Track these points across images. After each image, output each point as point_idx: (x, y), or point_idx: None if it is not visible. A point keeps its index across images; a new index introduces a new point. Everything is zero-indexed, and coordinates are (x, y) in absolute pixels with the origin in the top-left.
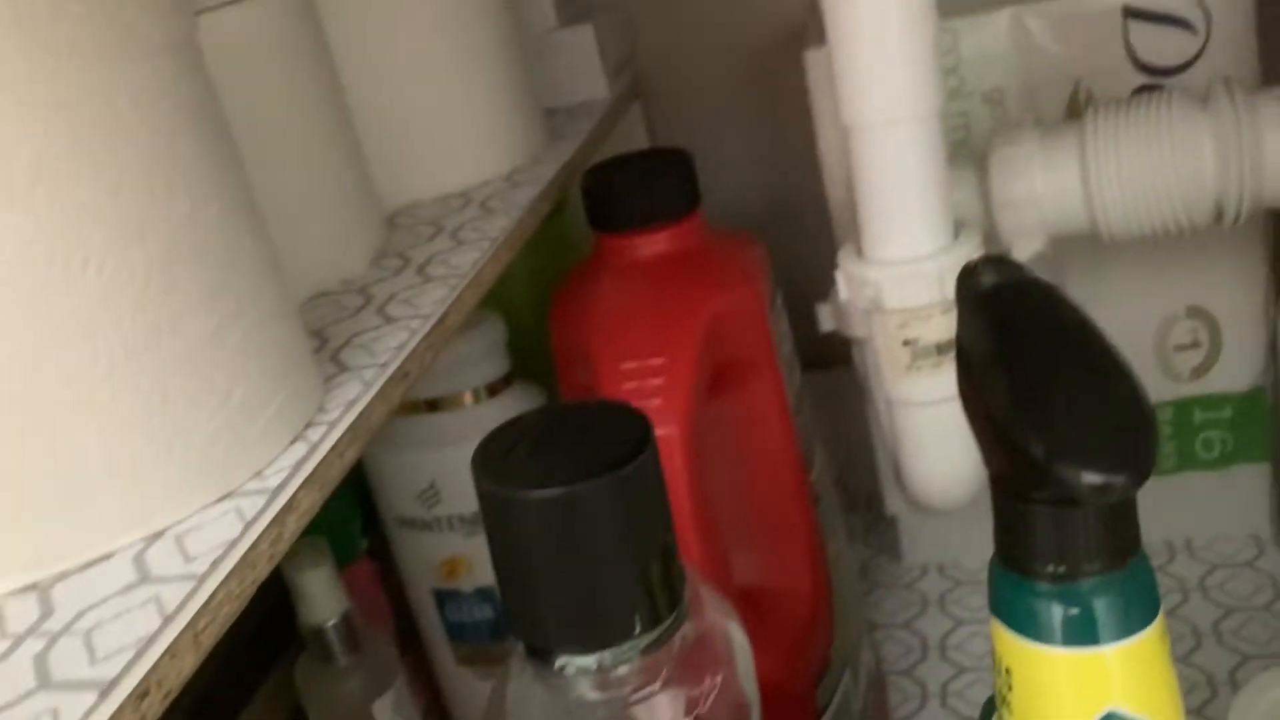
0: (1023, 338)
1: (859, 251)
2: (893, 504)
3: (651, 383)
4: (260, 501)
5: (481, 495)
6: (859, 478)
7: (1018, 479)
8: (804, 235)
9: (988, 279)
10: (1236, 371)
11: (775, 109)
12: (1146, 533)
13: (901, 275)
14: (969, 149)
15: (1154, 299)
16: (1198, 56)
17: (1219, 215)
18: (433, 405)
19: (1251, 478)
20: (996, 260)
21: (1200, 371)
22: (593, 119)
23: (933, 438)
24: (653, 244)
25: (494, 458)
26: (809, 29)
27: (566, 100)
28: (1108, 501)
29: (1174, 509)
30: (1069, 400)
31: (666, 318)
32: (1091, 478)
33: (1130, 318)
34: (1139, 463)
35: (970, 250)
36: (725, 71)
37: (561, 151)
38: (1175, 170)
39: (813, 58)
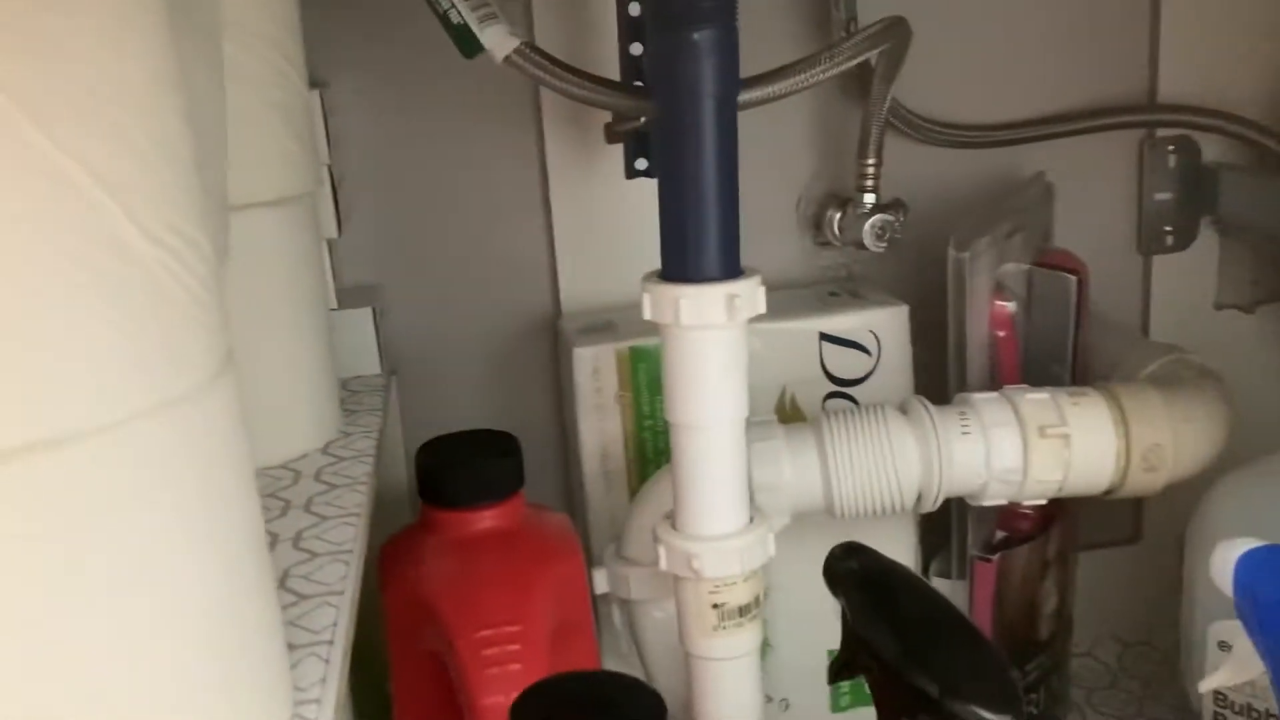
0: (896, 604)
1: (673, 526)
2: None
3: (510, 649)
4: None
5: None
6: None
7: None
8: (561, 509)
9: (852, 562)
10: None
11: (522, 395)
12: None
13: (717, 549)
14: None
15: None
16: (871, 373)
17: (920, 501)
18: None
19: None
20: (853, 546)
21: None
22: (374, 393)
23: (730, 689)
24: (486, 519)
25: None
26: (562, 328)
27: (341, 375)
28: None
29: None
30: (946, 647)
31: (514, 587)
32: (984, 714)
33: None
34: (1017, 704)
35: (764, 531)
36: (473, 357)
37: (366, 426)
38: (892, 465)
39: (581, 355)
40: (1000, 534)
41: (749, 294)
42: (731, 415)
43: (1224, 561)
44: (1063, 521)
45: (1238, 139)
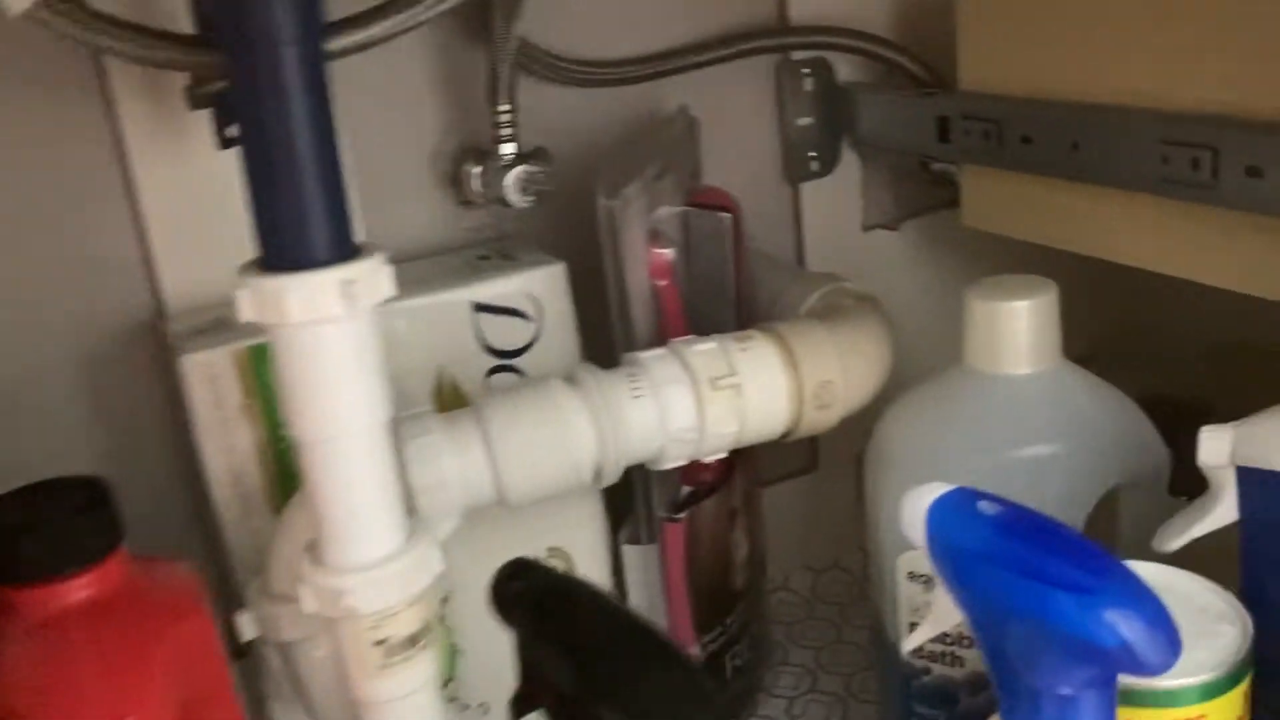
0: (575, 626)
1: (319, 560)
2: None
3: None
4: None
5: None
6: None
7: None
8: (200, 545)
9: (521, 582)
10: None
11: (124, 420)
12: None
13: (374, 578)
14: None
15: (521, 544)
16: (534, 340)
17: (599, 476)
18: None
19: None
20: (520, 564)
21: None
22: None
23: None
24: (77, 589)
25: None
26: (166, 331)
27: None
28: None
29: None
30: (633, 671)
31: (122, 670)
32: None
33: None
34: (720, 712)
35: (426, 546)
36: (55, 381)
37: None
38: (563, 443)
39: (192, 361)
40: (686, 489)
41: (369, 276)
42: (368, 421)
43: (914, 512)
44: (744, 465)
45: (869, 56)
